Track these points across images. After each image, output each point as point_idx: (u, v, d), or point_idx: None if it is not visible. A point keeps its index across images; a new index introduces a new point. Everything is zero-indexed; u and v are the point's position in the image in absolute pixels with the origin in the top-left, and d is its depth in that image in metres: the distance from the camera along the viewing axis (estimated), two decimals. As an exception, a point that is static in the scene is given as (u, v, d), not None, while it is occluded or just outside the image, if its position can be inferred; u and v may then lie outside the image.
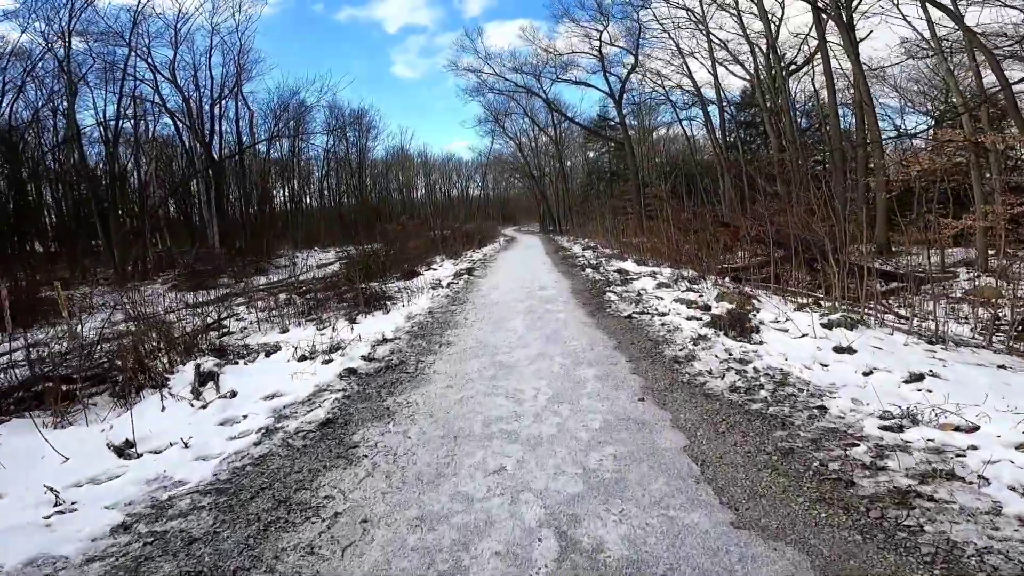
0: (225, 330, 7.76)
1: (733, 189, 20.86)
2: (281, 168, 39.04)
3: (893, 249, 12.78)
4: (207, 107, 26.46)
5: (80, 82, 20.67)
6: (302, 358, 4.95)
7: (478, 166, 52.03)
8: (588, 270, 10.94)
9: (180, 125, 25.17)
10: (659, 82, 24.19)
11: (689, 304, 6.31)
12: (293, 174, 39.79)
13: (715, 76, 22.22)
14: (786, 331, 5.00)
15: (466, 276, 11.14)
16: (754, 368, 3.95)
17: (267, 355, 5.49)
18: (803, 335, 4.73)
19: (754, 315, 5.49)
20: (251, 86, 28.69)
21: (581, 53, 27.39)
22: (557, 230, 35.48)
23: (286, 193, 39.87)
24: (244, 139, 29.70)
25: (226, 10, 26.63)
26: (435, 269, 12.85)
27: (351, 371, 4.46)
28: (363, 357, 4.79)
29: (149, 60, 22.67)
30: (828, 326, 5.12)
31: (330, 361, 4.68)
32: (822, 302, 6.11)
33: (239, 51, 24.79)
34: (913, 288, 7.59)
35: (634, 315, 6.10)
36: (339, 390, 4.06)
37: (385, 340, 5.56)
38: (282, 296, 9.58)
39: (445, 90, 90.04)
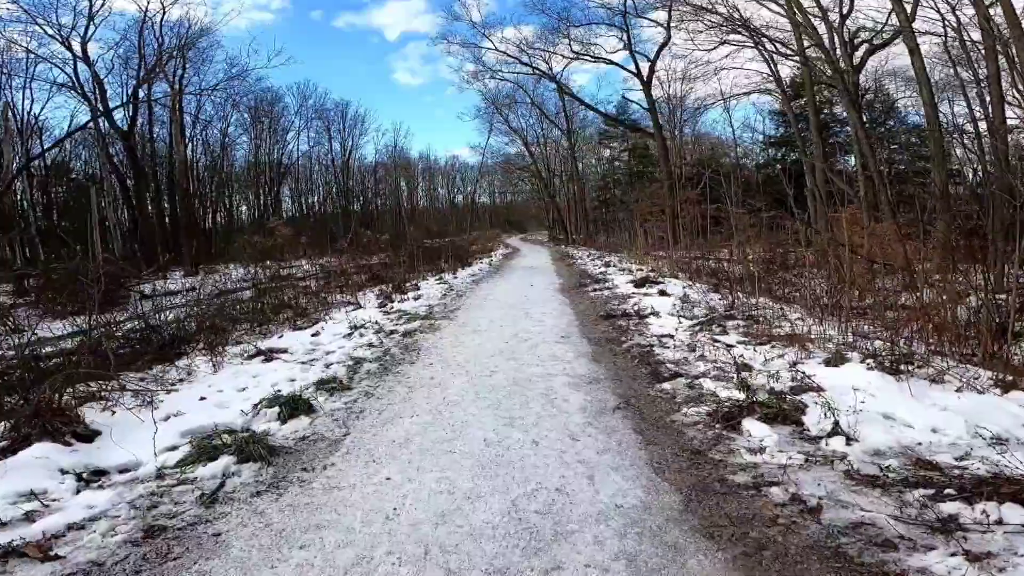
0: None
1: (820, 190, 14.86)
2: (254, 172, 33.98)
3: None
4: (129, 88, 21.51)
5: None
6: None
7: (484, 171, 46.15)
8: (659, 350, 4.98)
9: (92, 107, 20.05)
10: (705, 47, 18.46)
11: None
12: (266, 178, 34.69)
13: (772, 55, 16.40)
14: None
15: (377, 363, 5.30)
16: None
17: None
18: None
19: None
20: (204, 71, 23.93)
21: (599, 24, 21.95)
22: (568, 240, 29.65)
23: (255, 199, 34.82)
24: (187, 132, 24.64)
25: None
26: (362, 308, 7.08)
27: None
28: None
29: (48, 30, 17.71)
30: None
31: None
32: None
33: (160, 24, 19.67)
34: None
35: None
36: None
37: None
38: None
39: (449, 97, 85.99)
